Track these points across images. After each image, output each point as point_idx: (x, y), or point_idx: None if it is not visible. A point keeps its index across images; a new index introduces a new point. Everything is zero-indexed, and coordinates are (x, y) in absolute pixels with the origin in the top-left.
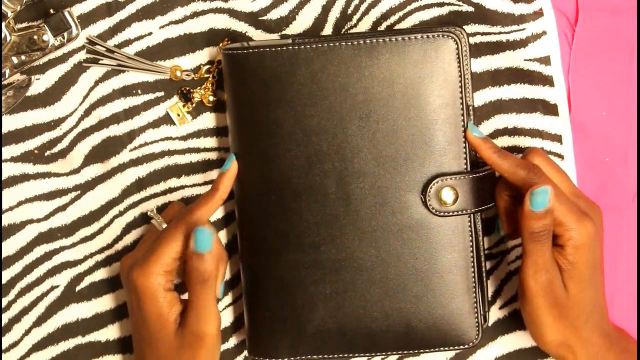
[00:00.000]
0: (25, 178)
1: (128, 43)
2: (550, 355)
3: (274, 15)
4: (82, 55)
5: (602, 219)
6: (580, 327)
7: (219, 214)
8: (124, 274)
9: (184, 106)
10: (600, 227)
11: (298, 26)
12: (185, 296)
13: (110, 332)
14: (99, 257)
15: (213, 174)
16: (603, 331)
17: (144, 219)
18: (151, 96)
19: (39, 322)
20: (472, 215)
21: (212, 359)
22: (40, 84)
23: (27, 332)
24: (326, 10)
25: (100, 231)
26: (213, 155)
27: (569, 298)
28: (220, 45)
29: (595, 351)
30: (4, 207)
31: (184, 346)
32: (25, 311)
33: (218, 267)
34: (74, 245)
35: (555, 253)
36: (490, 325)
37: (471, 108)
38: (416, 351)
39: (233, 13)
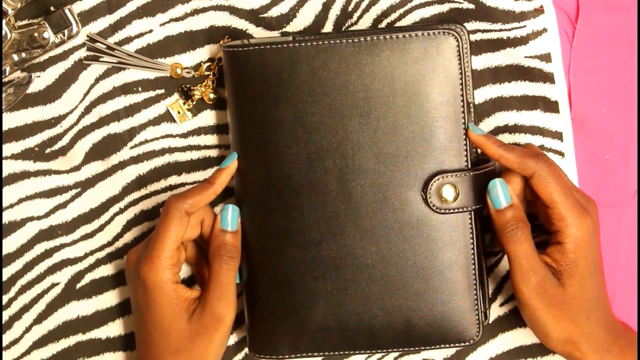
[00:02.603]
0: (25, 175)
1: (128, 40)
2: (557, 353)
3: (275, 12)
4: (82, 53)
5: (598, 213)
6: (583, 323)
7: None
8: (130, 269)
9: (184, 103)
10: (597, 222)
11: (298, 23)
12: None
13: (111, 329)
14: (99, 254)
15: (213, 171)
16: (606, 325)
17: (145, 216)
18: (151, 93)
19: (39, 319)
20: (472, 212)
21: (224, 345)
22: (41, 81)
23: (28, 329)
24: (326, 7)
25: (101, 228)
26: (213, 153)
27: (566, 294)
28: (221, 43)
29: (600, 345)
30: (4, 204)
31: (199, 331)
32: (26, 308)
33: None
34: (74, 242)
35: (555, 252)
36: (490, 322)
37: (471, 105)
38: (416, 348)
39: (233, 10)
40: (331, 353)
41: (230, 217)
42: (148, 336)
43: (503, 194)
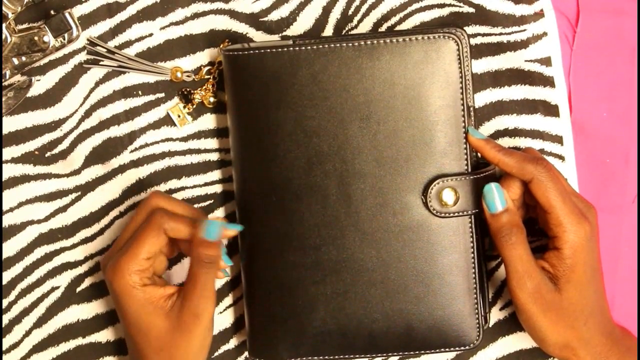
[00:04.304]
0: (25, 179)
1: (128, 44)
2: (555, 358)
3: (275, 16)
4: (82, 56)
5: (597, 219)
6: (580, 328)
7: (220, 214)
8: (103, 274)
9: (184, 107)
10: (596, 227)
11: (298, 27)
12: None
13: (111, 333)
14: (99, 258)
15: (213, 175)
16: (605, 330)
17: None
18: (151, 97)
19: (39, 322)
20: (472, 216)
21: (207, 340)
22: (41, 85)
23: (28, 333)
24: (326, 11)
25: (101, 232)
26: (213, 156)
27: (562, 300)
28: (221, 46)
29: (597, 351)
30: (4, 207)
31: (178, 327)
32: (26, 312)
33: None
34: (74, 246)
35: (553, 257)
36: (490, 326)
37: (471, 109)
38: (416, 352)
39: (233, 14)
40: (331, 357)
41: (212, 231)
42: (130, 338)
43: (498, 199)
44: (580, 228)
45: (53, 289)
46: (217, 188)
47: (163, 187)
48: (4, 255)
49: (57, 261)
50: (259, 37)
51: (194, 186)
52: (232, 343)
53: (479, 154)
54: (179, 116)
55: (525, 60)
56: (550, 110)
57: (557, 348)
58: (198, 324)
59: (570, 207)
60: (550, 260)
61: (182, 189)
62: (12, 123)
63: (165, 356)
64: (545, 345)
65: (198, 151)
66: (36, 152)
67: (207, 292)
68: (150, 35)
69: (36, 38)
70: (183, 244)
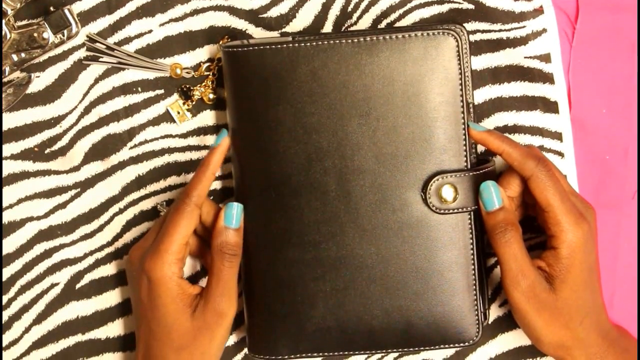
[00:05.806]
0: (25, 175)
1: (128, 40)
2: (551, 357)
3: (274, 12)
4: (81, 53)
5: (596, 219)
6: (575, 328)
7: None
8: (134, 266)
9: (183, 103)
10: (594, 228)
11: (298, 23)
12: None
13: (110, 330)
14: (99, 255)
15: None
16: (601, 331)
17: (144, 216)
18: (151, 93)
19: (39, 319)
20: (471, 213)
21: (226, 340)
22: (40, 82)
23: (27, 330)
24: (326, 7)
25: (100, 228)
26: None
27: (557, 299)
28: (220, 43)
29: (593, 351)
30: (4, 204)
31: (201, 327)
32: (25, 308)
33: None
34: (73, 242)
35: (550, 256)
36: (490, 322)
37: (471, 105)
38: (416, 348)
39: (233, 10)
40: (330, 353)
41: (235, 214)
42: (150, 333)
43: (495, 196)
44: (578, 228)
45: (52, 286)
46: (217, 184)
47: (163, 184)
48: (4, 252)
49: (56, 258)
50: (258, 33)
51: None
52: (232, 339)
53: (478, 151)
54: (178, 113)
55: (525, 57)
56: (550, 106)
57: (551, 347)
58: (221, 323)
59: (569, 207)
60: (547, 259)
61: (182, 185)
62: (12, 119)
63: (184, 356)
64: (541, 344)
65: (197, 148)
66: (36, 149)
67: (230, 289)
68: (150, 31)
69: (35, 34)
70: (199, 249)
